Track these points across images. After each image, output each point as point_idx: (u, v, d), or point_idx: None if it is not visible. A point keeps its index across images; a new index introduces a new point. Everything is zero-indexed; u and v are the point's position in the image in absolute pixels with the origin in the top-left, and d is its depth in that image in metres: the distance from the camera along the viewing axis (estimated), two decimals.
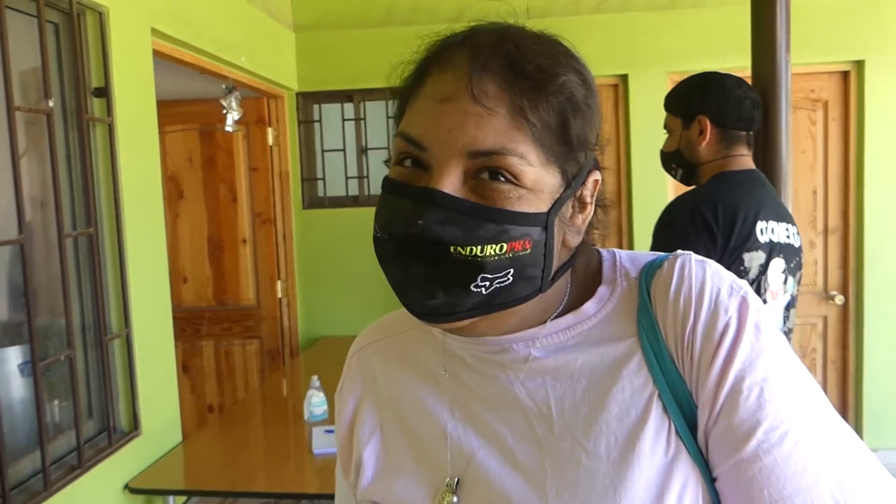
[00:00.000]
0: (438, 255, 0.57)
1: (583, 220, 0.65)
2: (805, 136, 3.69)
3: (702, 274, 0.63)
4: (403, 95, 0.65)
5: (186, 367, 3.88)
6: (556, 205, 0.61)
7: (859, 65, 3.60)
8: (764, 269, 1.67)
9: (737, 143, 1.80)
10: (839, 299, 3.73)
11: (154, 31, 2.36)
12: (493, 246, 0.57)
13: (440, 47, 0.63)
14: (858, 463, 0.58)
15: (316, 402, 2.53)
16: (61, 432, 1.99)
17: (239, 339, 3.90)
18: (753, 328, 0.60)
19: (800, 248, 1.80)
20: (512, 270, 0.59)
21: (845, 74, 3.66)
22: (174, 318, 2.49)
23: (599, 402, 0.62)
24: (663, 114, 1.92)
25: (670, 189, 3.46)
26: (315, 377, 2.58)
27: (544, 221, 0.60)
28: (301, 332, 3.95)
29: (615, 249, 0.71)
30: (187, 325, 3.79)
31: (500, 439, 0.65)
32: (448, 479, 0.66)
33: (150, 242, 2.32)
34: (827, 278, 3.77)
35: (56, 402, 1.99)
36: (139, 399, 2.19)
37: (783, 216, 1.76)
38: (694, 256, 0.65)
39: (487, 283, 0.58)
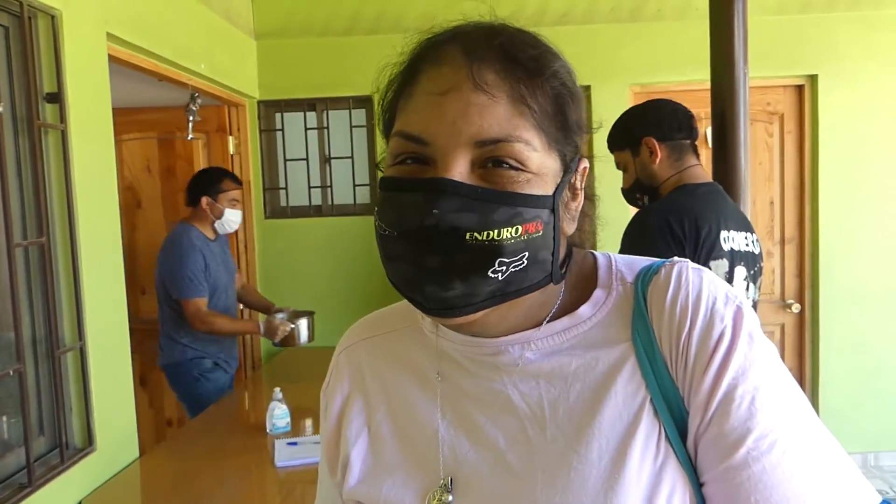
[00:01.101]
0: (454, 245, 0.57)
1: (575, 207, 0.66)
2: (762, 148, 3.78)
3: (698, 282, 0.64)
4: (393, 98, 0.65)
5: (144, 380, 3.78)
6: (559, 188, 0.62)
7: (813, 79, 3.71)
8: (729, 277, 1.71)
9: (686, 153, 1.87)
10: (796, 307, 3.82)
11: (110, 36, 2.30)
12: (509, 229, 0.58)
13: (428, 45, 0.63)
14: (842, 473, 0.59)
15: (278, 414, 2.48)
16: (10, 450, 1.91)
17: None
18: (747, 337, 0.61)
19: (760, 254, 1.84)
20: (527, 254, 0.59)
21: (800, 88, 3.76)
22: (132, 331, 2.43)
23: (592, 407, 0.63)
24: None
25: None
26: (277, 389, 2.54)
27: (551, 204, 0.61)
28: (263, 344, 3.89)
29: (610, 253, 0.72)
30: (145, 337, 3.69)
31: (491, 441, 0.65)
32: (442, 480, 0.66)
33: (106, 252, 2.25)
34: (784, 287, 3.85)
35: (4, 418, 1.92)
36: (94, 414, 2.12)
37: (743, 225, 1.81)
38: (690, 264, 0.66)
39: (504, 268, 0.58)
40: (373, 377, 0.74)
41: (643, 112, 1.92)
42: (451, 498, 0.65)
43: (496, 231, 0.57)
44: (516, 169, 0.59)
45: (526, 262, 0.59)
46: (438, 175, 0.58)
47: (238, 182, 3.19)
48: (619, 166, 1.97)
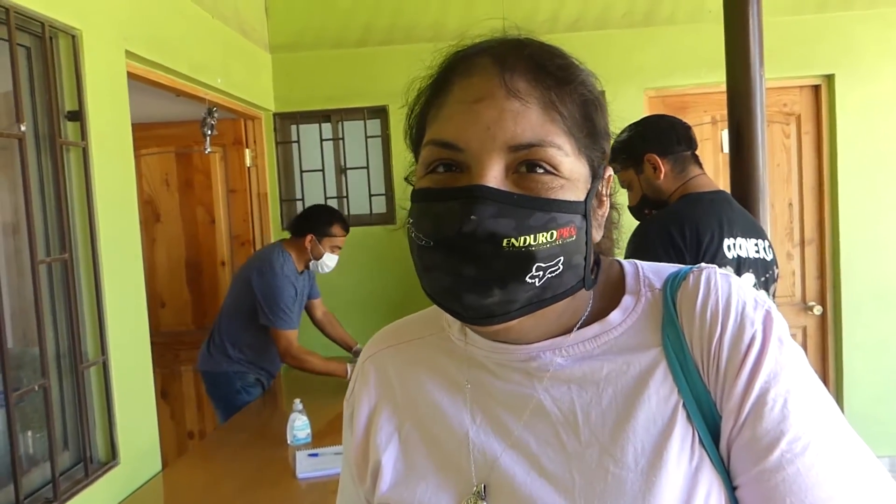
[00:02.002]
0: (492, 252, 0.58)
1: (602, 214, 0.68)
2: (779, 150, 3.75)
3: (727, 287, 0.65)
4: (422, 111, 0.66)
5: (165, 392, 3.81)
6: (590, 194, 0.63)
7: (829, 79, 3.67)
8: None
9: (688, 165, 1.89)
10: (817, 309, 3.77)
11: (128, 54, 2.33)
12: (545, 234, 0.59)
13: (457, 58, 0.65)
14: (872, 475, 0.60)
15: (299, 425, 2.49)
16: (36, 464, 1.93)
17: None
18: (777, 342, 0.62)
19: (772, 261, 1.83)
20: (562, 258, 0.60)
21: (816, 88, 3.73)
22: (152, 344, 2.45)
23: (626, 411, 0.63)
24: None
25: None
26: (297, 400, 2.54)
27: (583, 209, 0.62)
28: None
29: (636, 260, 0.72)
30: (166, 350, 3.73)
31: (524, 446, 0.66)
32: (476, 486, 0.66)
33: (127, 267, 2.28)
34: (805, 289, 3.81)
35: (30, 433, 1.94)
36: (117, 428, 2.14)
37: (752, 232, 1.80)
38: (718, 270, 0.67)
39: (541, 273, 0.59)
40: (400, 384, 0.75)
41: (641, 130, 1.94)
42: None
43: (532, 236, 0.58)
44: (550, 174, 0.60)
45: (562, 267, 0.60)
46: (474, 182, 0.59)
47: (347, 229, 3.20)
48: (622, 185, 2.00)
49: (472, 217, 0.57)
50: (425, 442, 0.71)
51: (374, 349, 0.80)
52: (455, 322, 0.73)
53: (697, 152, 1.95)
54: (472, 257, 0.58)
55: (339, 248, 3.16)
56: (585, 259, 0.63)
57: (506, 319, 0.61)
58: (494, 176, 0.59)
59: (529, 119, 0.59)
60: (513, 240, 0.58)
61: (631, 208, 2.00)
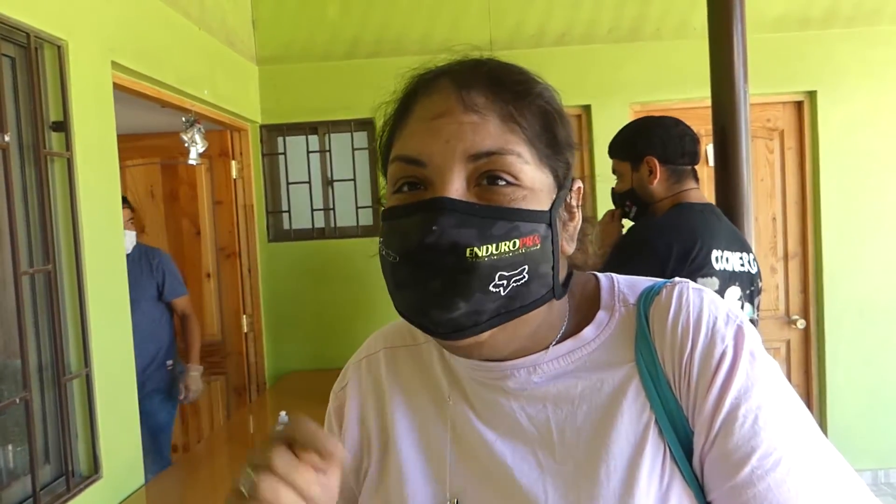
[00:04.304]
0: (455, 264, 0.58)
1: (574, 227, 0.68)
2: (763, 165, 3.79)
3: (699, 302, 0.65)
4: (390, 130, 0.67)
5: None
6: (555, 204, 0.64)
7: (812, 95, 3.72)
8: (720, 296, 1.71)
9: (685, 177, 1.89)
10: (801, 323, 3.80)
11: (114, 65, 2.32)
12: (507, 243, 0.59)
13: (419, 81, 0.66)
14: (847, 489, 0.59)
15: None
16: (16, 478, 1.90)
17: (204, 376, 3.81)
18: (749, 356, 0.62)
19: (757, 273, 1.84)
20: (527, 267, 0.60)
21: (799, 104, 3.78)
22: None
23: (600, 428, 0.63)
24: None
25: None
26: (283, 413, 2.49)
27: (548, 219, 0.62)
28: (268, 367, 3.88)
29: (612, 274, 0.73)
30: None
31: (499, 463, 0.66)
32: (449, 500, 0.66)
33: (111, 278, 2.26)
34: (788, 303, 3.84)
35: (10, 446, 1.91)
36: (100, 441, 2.11)
37: (737, 245, 1.81)
38: (691, 284, 0.67)
39: (505, 283, 0.59)
40: (389, 388, 0.75)
41: (651, 129, 1.90)
42: None
43: (494, 245, 0.58)
44: (511, 185, 0.60)
45: (527, 276, 0.60)
46: (437, 195, 0.60)
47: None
48: (615, 172, 1.98)
49: (434, 227, 0.58)
50: (404, 451, 0.71)
51: (371, 349, 0.80)
52: None
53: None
54: (435, 270, 0.58)
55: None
56: (553, 269, 0.63)
57: (475, 332, 0.60)
58: (456, 188, 0.60)
59: (488, 129, 0.60)
60: (476, 249, 0.58)
61: (615, 193, 1.98)
